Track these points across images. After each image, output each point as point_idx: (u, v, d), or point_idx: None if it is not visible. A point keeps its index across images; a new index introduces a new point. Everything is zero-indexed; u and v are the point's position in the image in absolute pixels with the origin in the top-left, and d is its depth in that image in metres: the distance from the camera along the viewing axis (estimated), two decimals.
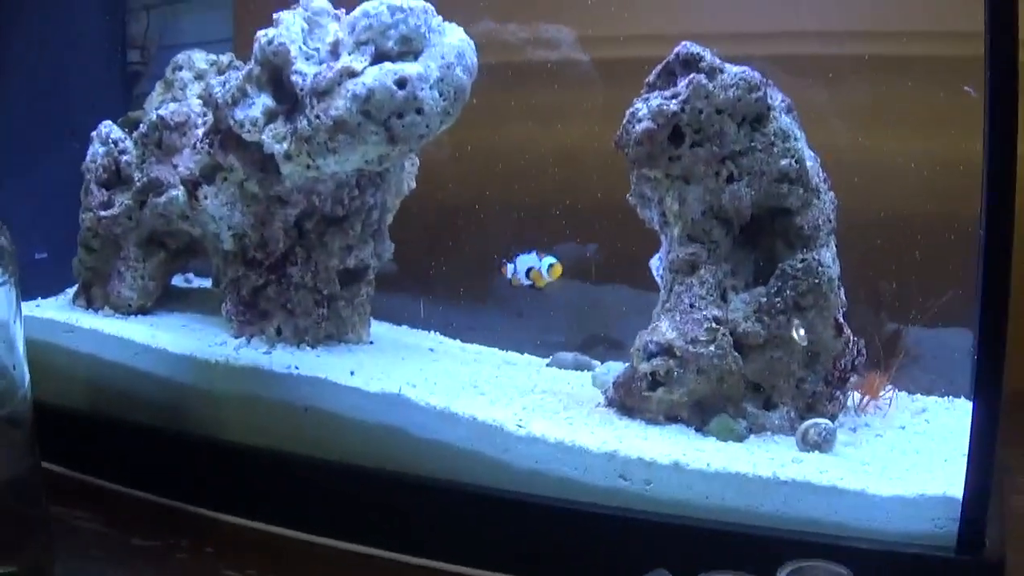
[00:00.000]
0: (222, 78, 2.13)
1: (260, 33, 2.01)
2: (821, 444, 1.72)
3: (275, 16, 2.02)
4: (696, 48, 1.85)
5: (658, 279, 1.96)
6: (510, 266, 2.13)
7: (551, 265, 2.11)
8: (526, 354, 2.36)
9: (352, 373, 1.95)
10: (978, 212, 1.35)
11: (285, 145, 1.96)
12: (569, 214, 2.45)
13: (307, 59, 1.98)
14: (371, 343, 2.23)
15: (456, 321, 2.49)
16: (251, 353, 2.05)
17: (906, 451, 1.76)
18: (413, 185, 2.27)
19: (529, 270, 2.11)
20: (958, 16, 2.03)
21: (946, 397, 2.08)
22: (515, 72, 2.45)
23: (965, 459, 1.48)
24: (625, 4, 2.38)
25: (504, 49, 2.39)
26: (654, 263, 1.99)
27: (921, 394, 2.08)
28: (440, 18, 1.99)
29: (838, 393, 1.87)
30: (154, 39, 2.89)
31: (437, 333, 2.50)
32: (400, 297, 2.50)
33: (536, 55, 2.42)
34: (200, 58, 2.45)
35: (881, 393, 1.93)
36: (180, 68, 2.44)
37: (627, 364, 1.90)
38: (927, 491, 1.54)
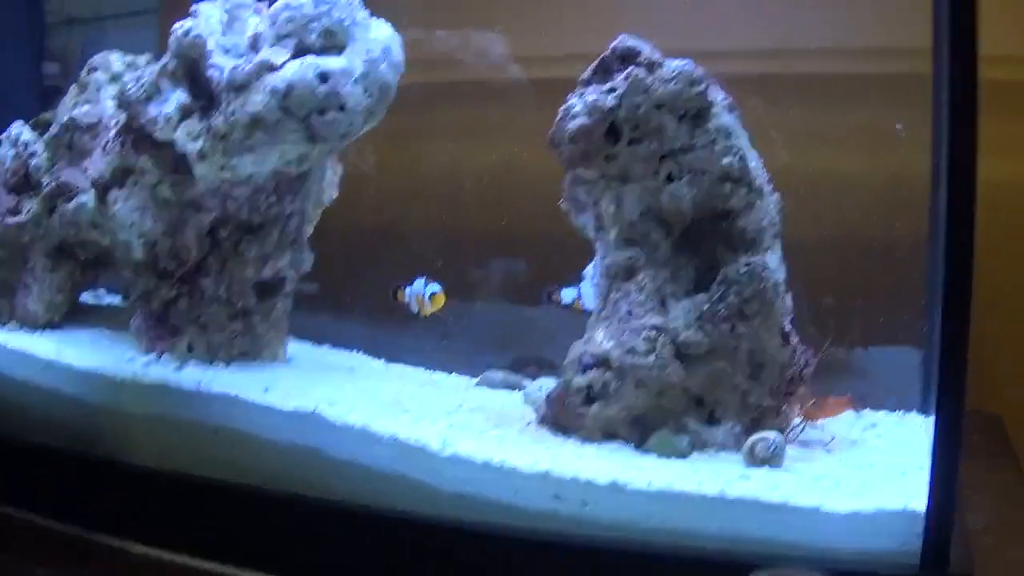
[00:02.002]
0: (136, 74, 1.96)
1: (177, 25, 1.87)
2: (770, 459, 1.57)
3: (193, 8, 1.89)
4: (633, 41, 1.71)
5: (592, 288, 1.80)
6: (407, 290, 2.04)
7: (433, 294, 2.01)
8: (454, 374, 2.23)
9: (266, 390, 1.78)
10: (924, 228, 1.27)
11: (199, 143, 1.81)
12: (499, 234, 2.34)
13: (225, 52, 1.84)
14: (288, 361, 2.08)
15: (381, 342, 2.34)
16: (160, 370, 1.89)
17: (860, 465, 1.62)
18: (335, 194, 2.11)
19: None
20: (900, 33, 1.96)
21: (896, 412, 1.96)
22: (448, 89, 2.36)
23: (925, 472, 1.34)
24: (560, 23, 2.30)
25: (435, 65, 2.29)
26: (588, 271, 1.83)
27: (870, 409, 1.95)
28: (366, 12, 1.85)
29: (786, 406, 1.71)
30: (76, 53, 2.71)
31: (360, 353, 2.35)
32: (322, 317, 2.36)
33: (468, 72, 2.32)
34: (116, 59, 2.27)
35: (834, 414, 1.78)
36: (95, 69, 2.26)
37: (560, 379, 1.73)
38: (886, 506, 1.39)
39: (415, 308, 2.02)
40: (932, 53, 1.70)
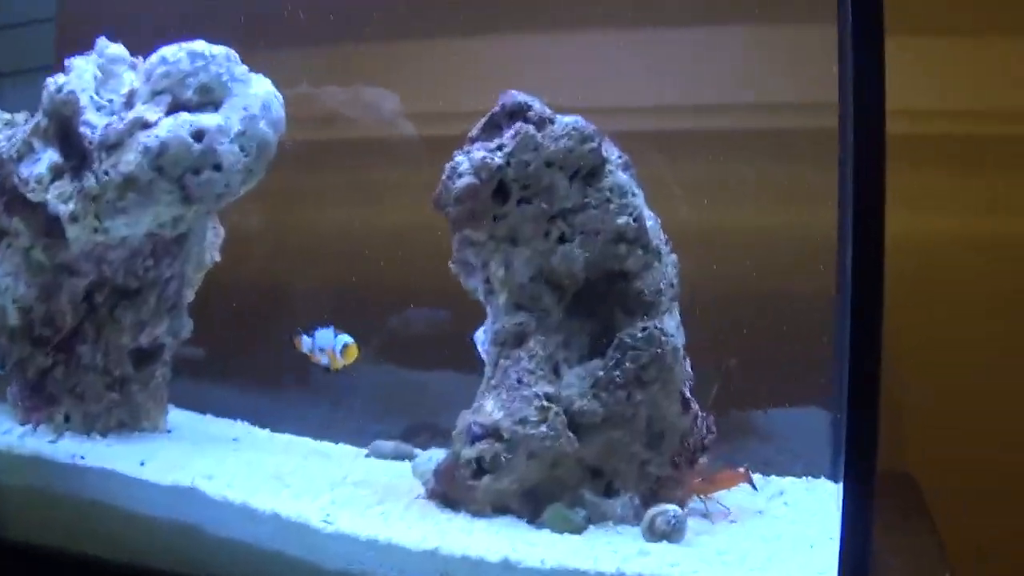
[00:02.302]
0: (10, 132, 1.86)
1: (49, 80, 1.80)
2: (670, 533, 1.50)
3: (66, 62, 1.81)
4: (523, 97, 1.65)
5: (483, 354, 1.72)
6: (306, 339, 1.89)
7: (346, 345, 1.86)
8: (342, 444, 2.13)
9: (143, 463, 1.73)
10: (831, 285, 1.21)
11: (71, 205, 1.75)
12: (388, 295, 2.24)
13: (99, 109, 1.78)
14: (169, 432, 2.00)
15: (266, 410, 2.25)
16: (36, 442, 1.83)
17: (766, 537, 1.56)
18: (217, 257, 2.04)
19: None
20: (806, 88, 1.93)
21: (804, 478, 1.90)
22: (340, 147, 2.28)
23: (835, 543, 1.29)
24: (454, 80, 2.23)
25: (326, 123, 2.23)
26: (479, 336, 1.75)
27: (776, 475, 1.89)
28: (245, 67, 1.79)
29: (688, 476, 1.63)
30: None
31: (245, 422, 2.25)
32: (205, 384, 2.28)
33: (359, 129, 2.26)
34: None
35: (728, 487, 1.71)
36: None
37: (449, 450, 1.64)
38: None
39: (325, 361, 1.88)
40: (839, 108, 1.67)
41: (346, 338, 1.87)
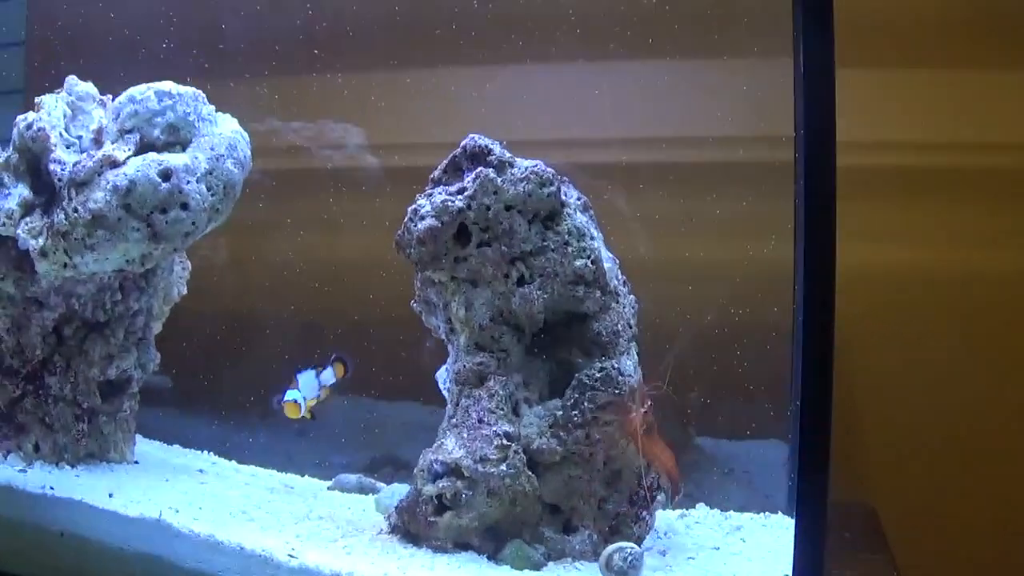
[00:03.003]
0: None
1: (20, 117, 1.79)
2: (627, 570, 1.50)
3: (36, 100, 1.80)
4: (484, 140, 1.65)
5: (445, 393, 1.72)
6: (289, 393, 1.89)
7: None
8: (307, 476, 2.13)
9: (111, 495, 1.71)
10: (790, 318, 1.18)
11: (41, 240, 1.72)
12: (355, 326, 2.24)
13: (68, 147, 1.77)
14: (136, 463, 1.98)
15: (232, 440, 2.25)
16: (5, 471, 1.80)
17: (721, 574, 1.57)
18: (184, 291, 2.03)
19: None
20: (765, 122, 1.93)
21: (761, 513, 1.90)
22: (303, 178, 2.28)
23: None
24: (415, 113, 2.23)
25: (291, 154, 2.21)
26: (440, 375, 1.75)
27: (735, 511, 1.89)
28: (212, 107, 1.79)
29: (644, 514, 1.64)
30: None
31: (211, 453, 2.25)
32: (172, 414, 2.27)
33: (325, 161, 2.24)
34: None
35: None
36: None
37: (411, 487, 1.64)
38: None
39: (302, 412, 1.88)
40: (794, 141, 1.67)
41: (328, 377, 1.90)
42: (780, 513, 1.87)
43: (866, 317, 1.93)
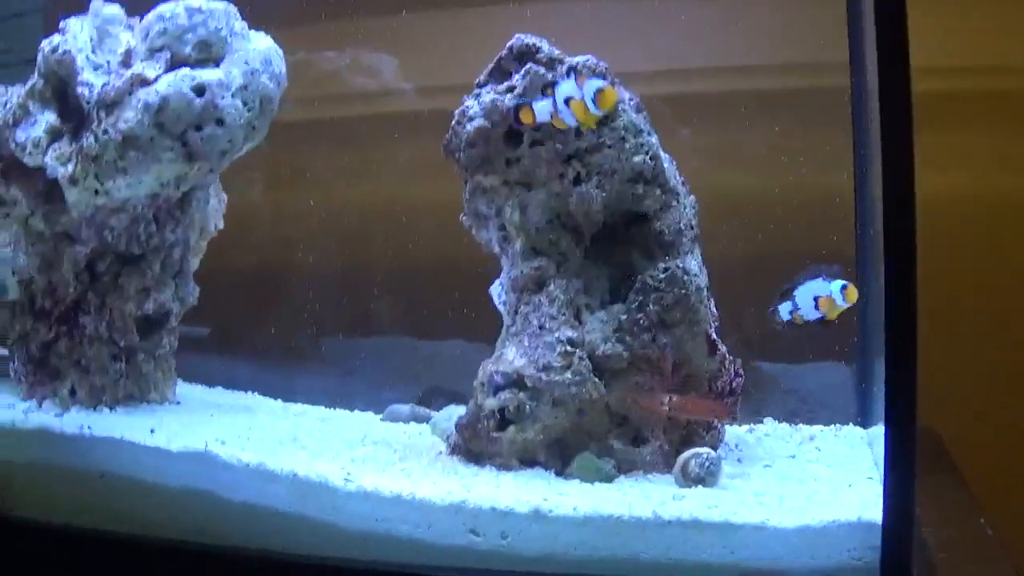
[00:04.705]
0: (4, 98, 1.77)
1: (44, 42, 1.71)
2: (705, 478, 1.42)
3: (61, 23, 1.72)
4: (532, 39, 1.57)
5: (500, 307, 1.63)
6: (785, 304, 1.53)
7: (844, 287, 1.46)
8: (356, 411, 2.04)
9: (152, 431, 1.62)
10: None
11: (70, 167, 1.65)
12: (402, 270, 2.15)
13: (96, 69, 1.68)
14: (178, 403, 1.90)
15: (277, 383, 2.15)
16: (41, 417, 1.72)
17: (803, 479, 1.48)
18: (221, 224, 1.95)
19: (817, 299, 1.50)
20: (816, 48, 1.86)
21: (832, 425, 1.81)
22: (348, 127, 2.18)
23: (873, 483, 1.26)
24: (462, 55, 2.09)
25: (335, 102, 2.13)
26: (495, 289, 1.66)
27: (803, 423, 1.81)
28: (244, 22, 1.69)
29: (716, 423, 1.55)
30: None
31: (255, 394, 2.15)
32: (213, 360, 2.17)
33: (370, 108, 2.16)
34: None
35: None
36: None
37: (471, 403, 1.55)
38: (839, 518, 1.25)
39: (814, 315, 1.48)
40: (851, 66, 1.58)
41: (841, 282, 1.47)
42: (851, 424, 1.79)
43: (935, 243, 1.85)
